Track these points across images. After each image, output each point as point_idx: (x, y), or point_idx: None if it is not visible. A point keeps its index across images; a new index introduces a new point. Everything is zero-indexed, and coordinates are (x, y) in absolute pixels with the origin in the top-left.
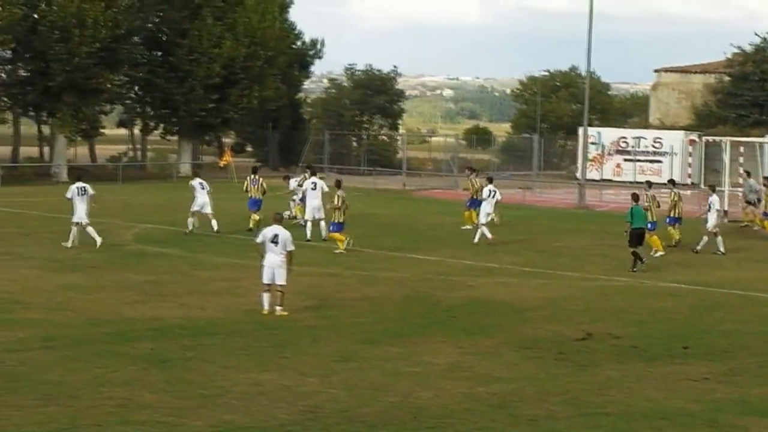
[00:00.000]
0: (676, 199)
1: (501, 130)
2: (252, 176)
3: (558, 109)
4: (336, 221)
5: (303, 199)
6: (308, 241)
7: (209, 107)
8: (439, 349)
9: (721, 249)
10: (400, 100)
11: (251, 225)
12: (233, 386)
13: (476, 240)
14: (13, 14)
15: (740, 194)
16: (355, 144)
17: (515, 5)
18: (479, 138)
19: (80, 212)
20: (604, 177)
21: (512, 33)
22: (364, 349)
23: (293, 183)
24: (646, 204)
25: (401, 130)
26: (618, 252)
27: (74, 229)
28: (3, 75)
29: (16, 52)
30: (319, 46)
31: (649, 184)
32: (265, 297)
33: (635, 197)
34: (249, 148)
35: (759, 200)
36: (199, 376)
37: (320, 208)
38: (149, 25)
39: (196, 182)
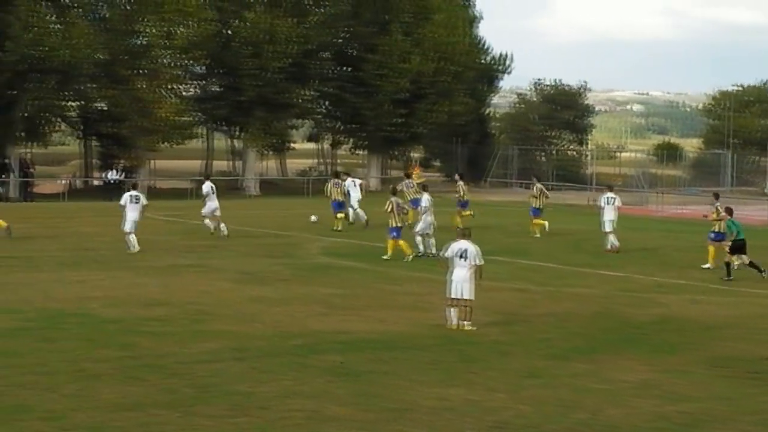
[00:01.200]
0: None
1: (691, 145)
2: (334, 180)
3: (750, 125)
4: (393, 226)
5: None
6: (433, 255)
7: (397, 122)
8: (628, 367)
9: None
10: (589, 115)
11: (338, 226)
12: (420, 401)
13: (608, 247)
14: (207, 30)
15: None
16: (542, 159)
17: (705, 19)
18: (669, 154)
19: (129, 219)
20: None
21: (702, 47)
22: (552, 365)
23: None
24: (713, 216)
25: (589, 146)
26: None
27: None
28: (197, 90)
29: (209, 68)
30: (507, 61)
31: (717, 196)
32: (452, 312)
33: (729, 211)
34: (436, 163)
35: None
36: (386, 390)
37: (433, 223)
38: (338, 40)
39: (207, 186)
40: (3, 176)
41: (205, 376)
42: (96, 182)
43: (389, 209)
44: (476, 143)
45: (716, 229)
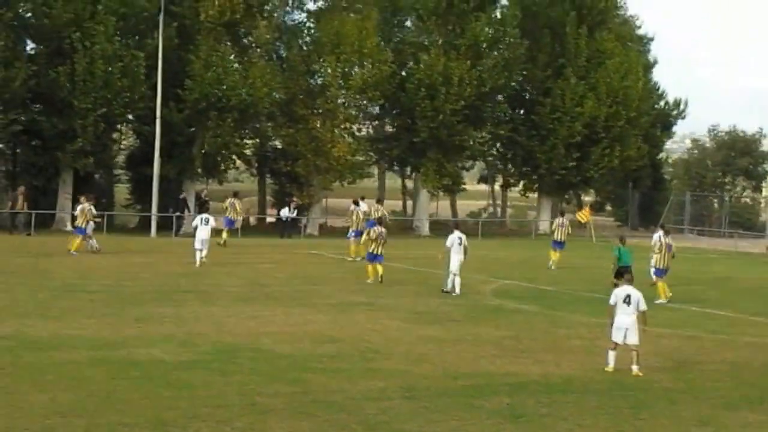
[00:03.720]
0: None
1: None
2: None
3: None
4: (371, 251)
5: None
6: (445, 291)
7: (570, 165)
8: None
9: None
10: (765, 162)
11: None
12: None
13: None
14: (383, 71)
15: None
16: (716, 206)
17: None
18: None
19: (198, 238)
20: None
21: None
22: (723, 414)
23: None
24: (656, 250)
25: (765, 192)
26: None
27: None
28: (370, 130)
29: (383, 108)
30: (681, 107)
31: (667, 232)
32: (611, 355)
33: (622, 240)
34: (608, 207)
35: None
36: None
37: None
38: (513, 83)
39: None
40: (179, 212)
41: (374, 414)
42: (270, 219)
43: (373, 236)
44: (649, 188)
45: (657, 265)
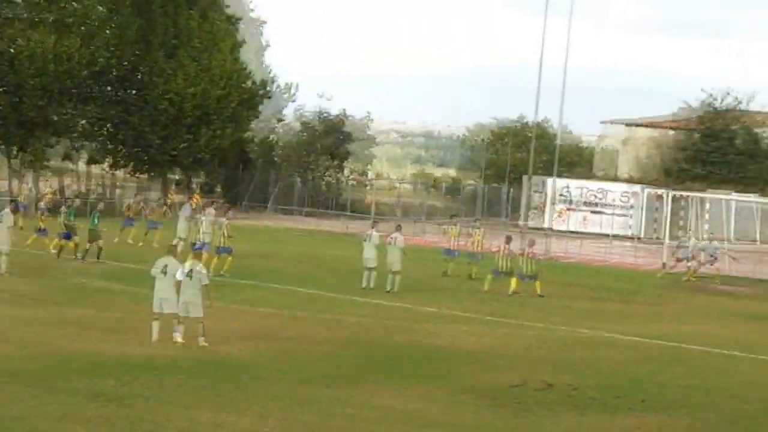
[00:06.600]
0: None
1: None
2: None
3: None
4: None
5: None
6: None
7: (181, 147)
8: (375, 392)
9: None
10: (347, 142)
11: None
12: (169, 423)
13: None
14: None
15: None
16: (299, 185)
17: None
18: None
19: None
20: (569, 228)
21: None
22: (301, 389)
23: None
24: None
25: (347, 172)
26: (580, 303)
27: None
28: None
29: None
30: (293, 90)
31: (509, 239)
32: (155, 326)
33: (99, 208)
34: (218, 189)
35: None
36: (141, 413)
37: (374, 259)
38: (125, 63)
39: None
40: None
41: None
42: None
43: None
44: (262, 170)
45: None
